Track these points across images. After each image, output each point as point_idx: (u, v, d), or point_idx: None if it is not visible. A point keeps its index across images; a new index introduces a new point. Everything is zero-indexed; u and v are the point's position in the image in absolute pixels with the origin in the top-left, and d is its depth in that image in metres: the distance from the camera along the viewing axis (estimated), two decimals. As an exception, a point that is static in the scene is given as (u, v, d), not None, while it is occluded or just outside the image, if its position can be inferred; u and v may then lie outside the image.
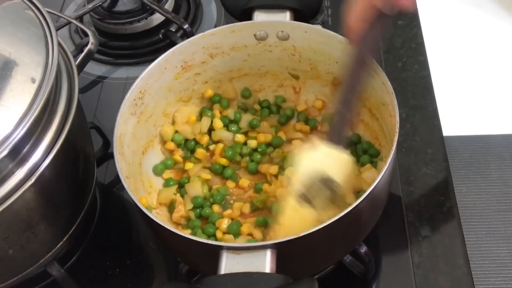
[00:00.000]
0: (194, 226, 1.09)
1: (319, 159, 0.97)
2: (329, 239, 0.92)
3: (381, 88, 1.05)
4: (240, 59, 1.23)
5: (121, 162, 1.00)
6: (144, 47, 1.59)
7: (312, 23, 1.16)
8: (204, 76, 1.23)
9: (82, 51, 1.24)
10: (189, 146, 1.20)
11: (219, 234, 1.08)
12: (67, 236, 1.09)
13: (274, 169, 1.15)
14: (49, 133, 0.94)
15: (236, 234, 1.07)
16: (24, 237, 0.99)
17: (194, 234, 1.08)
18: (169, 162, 1.19)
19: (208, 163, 1.20)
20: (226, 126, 1.22)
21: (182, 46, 1.16)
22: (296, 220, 0.95)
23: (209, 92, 1.24)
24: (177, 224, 1.12)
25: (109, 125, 1.05)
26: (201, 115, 1.23)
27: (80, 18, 1.56)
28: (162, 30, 1.60)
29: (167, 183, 1.16)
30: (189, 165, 1.19)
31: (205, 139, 1.21)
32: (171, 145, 1.20)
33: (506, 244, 2.59)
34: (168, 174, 1.18)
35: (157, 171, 1.18)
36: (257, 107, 1.25)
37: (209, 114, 1.22)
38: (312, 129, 1.22)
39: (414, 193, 1.23)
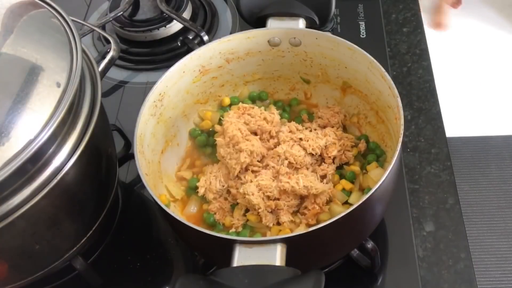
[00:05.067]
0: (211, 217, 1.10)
1: None
2: (337, 234, 0.92)
3: (387, 92, 1.05)
4: (255, 63, 1.22)
5: (141, 160, 1.01)
6: (163, 54, 1.60)
7: (323, 30, 1.15)
8: (220, 80, 1.23)
9: (104, 57, 1.24)
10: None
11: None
12: (91, 232, 1.09)
13: None
14: (73, 135, 0.94)
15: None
16: (50, 233, 0.99)
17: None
18: (203, 138, 1.21)
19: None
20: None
21: (200, 51, 1.16)
22: None
23: (226, 101, 1.24)
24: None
25: (131, 127, 1.05)
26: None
27: (102, 26, 1.56)
28: (180, 38, 1.60)
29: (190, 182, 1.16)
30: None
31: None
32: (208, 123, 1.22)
33: (506, 239, 2.59)
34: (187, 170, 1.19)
35: (194, 134, 1.22)
36: (271, 108, 1.25)
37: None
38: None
39: (419, 191, 1.23)
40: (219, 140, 1.13)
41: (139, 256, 1.20)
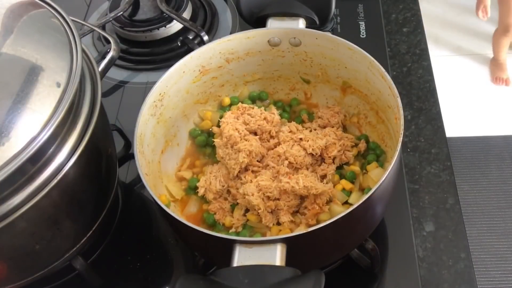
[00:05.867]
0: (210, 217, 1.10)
1: None
2: (337, 234, 0.92)
3: (387, 92, 1.05)
4: (255, 63, 1.22)
5: (141, 160, 1.00)
6: (163, 54, 1.60)
7: (323, 30, 1.15)
8: (220, 80, 1.23)
9: (104, 57, 1.24)
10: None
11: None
12: (91, 232, 1.09)
13: None
14: (74, 135, 0.94)
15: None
16: (50, 233, 0.99)
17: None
18: (203, 138, 1.21)
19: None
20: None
21: (200, 51, 1.16)
22: None
23: (226, 101, 1.24)
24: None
25: (131, 127, 1.05)
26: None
27: (102, 26, 1.57)
28: (180, 37, 1.60)
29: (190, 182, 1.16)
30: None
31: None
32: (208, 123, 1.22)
33: (505, 239, 2.59)
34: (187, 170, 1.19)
35: (194, 134, 1.22)
36: (271, 108, 1.25)
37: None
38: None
39: (419, 191, 1.23)
40: (217, 141, 1.13)
41: (139, 256, 1.20)
